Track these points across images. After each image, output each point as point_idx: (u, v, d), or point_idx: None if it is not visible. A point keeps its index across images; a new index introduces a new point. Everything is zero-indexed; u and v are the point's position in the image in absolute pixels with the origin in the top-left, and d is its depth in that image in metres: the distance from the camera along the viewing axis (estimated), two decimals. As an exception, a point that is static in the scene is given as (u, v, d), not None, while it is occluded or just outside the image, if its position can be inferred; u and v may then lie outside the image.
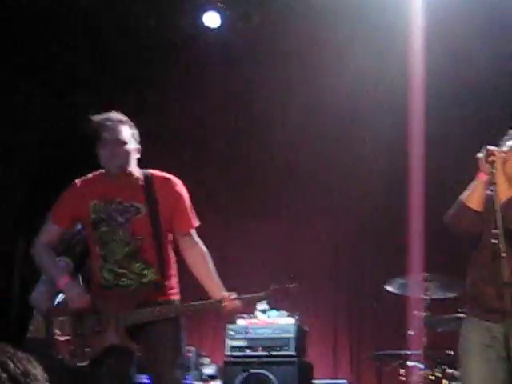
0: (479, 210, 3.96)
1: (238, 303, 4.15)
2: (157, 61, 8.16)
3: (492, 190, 3.89)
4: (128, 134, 4.19)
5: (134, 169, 4.25)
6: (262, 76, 8.23)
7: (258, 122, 8.49)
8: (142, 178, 4.24)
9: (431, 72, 7.26)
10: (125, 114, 4.32)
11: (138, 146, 4.27)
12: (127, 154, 4.17)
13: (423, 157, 7.36)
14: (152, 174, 4.27)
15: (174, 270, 4.29)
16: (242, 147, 8.68)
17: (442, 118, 7.44)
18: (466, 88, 7.49)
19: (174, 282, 4.27)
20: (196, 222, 4.31)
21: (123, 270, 4.15)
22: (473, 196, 3.98)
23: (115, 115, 4.25)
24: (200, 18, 7.88)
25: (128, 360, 4.17)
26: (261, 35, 7.96)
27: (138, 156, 4.27)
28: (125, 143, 4.16)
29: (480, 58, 7.25)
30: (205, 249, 4.28)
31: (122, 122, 4.22)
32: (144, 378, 4.39)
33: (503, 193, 3.95)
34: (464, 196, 4.02)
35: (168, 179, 4.29)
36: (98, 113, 4.25)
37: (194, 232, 4.31)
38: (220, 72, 8.34)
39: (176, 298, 4.25)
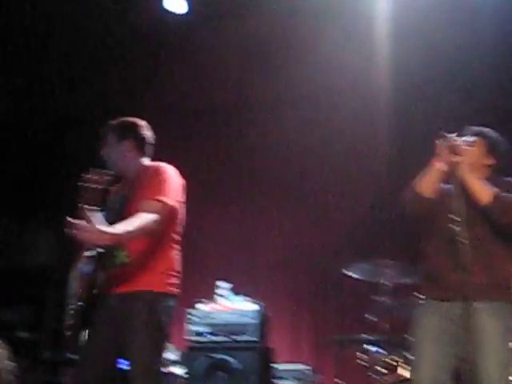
0: (432, 196, 4.08)
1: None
2: (121, 46, 8.12)
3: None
4: (110, 139, 4.42)
5: (136, 163, 4.41)
6: (227, 63, 8.22)
7: (224, 110, 8.50)
8: (138, 170, 4.39)
9: (399, 64, 7.35)
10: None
11: (130, 142, 4.40)
12: (109, 157, 4.40)
13: (388, 145, 7.48)
14: (148, 166, 4.40)
15: (149, 259, 4.19)
16: (208, 134, 8.70)
17: (409, 111, 7.55)
18: (436, 78, 7.59)
19: (147, 271, 4.17)
20: (160, 196, 4.12)
21: (108, 252, 4.20)
22: (426, 182, 4.09)
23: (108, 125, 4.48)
24: (165, 3, 7.83)
25: (110, 347, 4.15)
26: (228, 22, 7.94)
27: (131, 150, 4.40)
28: (105, 149, 4.42)
29: (449, 46, 7.34)
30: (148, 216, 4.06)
31: (107, 131, 4.45)
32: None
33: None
34: (417, 181, 4.11)
35: (155, 166, 4.36)
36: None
37: (153, 203, 4.11)
38: (185, 58, 8.32)
39: (148, 288, 4.14)
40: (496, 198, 4.02)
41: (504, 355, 3.96)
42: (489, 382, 3.88)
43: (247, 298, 6.88)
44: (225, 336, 6.66)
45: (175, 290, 4.26)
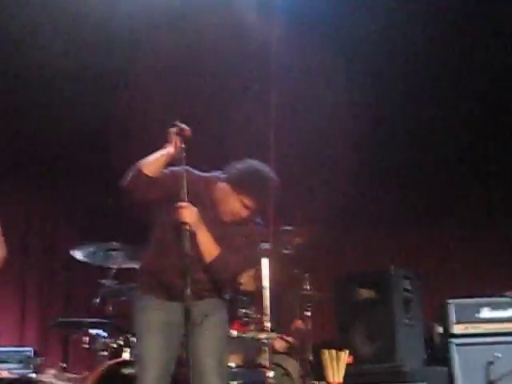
0: (155, 176, 4.06)
1: None
2: None
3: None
4: None
5: None
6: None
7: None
8: None
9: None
10: None
11: None
12: None
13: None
14: None
15: None
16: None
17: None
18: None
19: None
20: None
21: None
22: (153, 163, 4.07)
23: None
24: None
25: None
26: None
27: None
28: None
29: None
30: None
31: None
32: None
33: None
34: (143, 162, 4.09)
35: None
36: None
37: None
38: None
39: None
40: (219, 257, 4.09)
41: (221, 344, 4.21)
42: (209, 367, 4.09)
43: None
44: None
45: None
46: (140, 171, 4.05)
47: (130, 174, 4.09)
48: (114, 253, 6.01)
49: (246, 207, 4.14)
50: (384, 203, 7.88)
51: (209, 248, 4.07)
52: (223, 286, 4.28)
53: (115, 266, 6.04)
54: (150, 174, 4.05)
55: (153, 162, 4.07)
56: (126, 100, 7.48)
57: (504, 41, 7.37)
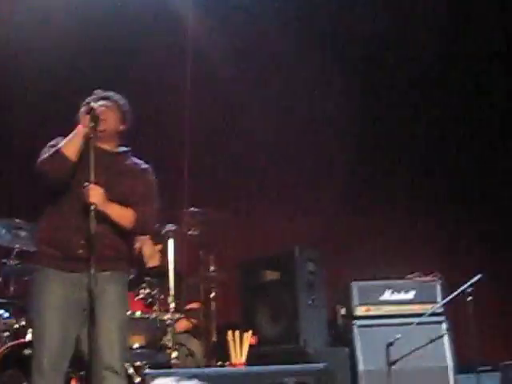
0: (74, 159, 4.04)
1: None
2: None
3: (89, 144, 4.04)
4: None
5: None
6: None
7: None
8: None
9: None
10: None
11: None
12: None
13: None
14: None
15: None
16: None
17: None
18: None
19: None
20: None
21: None
22: (70, 145, 4.05)
23: None
24: None
25: None
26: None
27: None
28: None
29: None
30: None
31: None
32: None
33: None
34: (64, 146, 4.06)
35: None
36: None
37: None
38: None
39: None
40: (136, 217, 4.13)
41: (122, 320, 4.18)
42: (110, 344, 4.04)
43: None
44: None
45: None
46: (64, 155, 4.02)
47: (52, 158, 4.04)
48: (16, 231, 5.94)
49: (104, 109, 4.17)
50: (290, 186, 7.95)
51: (124, 217, 4.11)
52: (126, 241, 4.25)
53: (18, 245, 5.95)
54: (73, 158, 4.03)
55: (72, 145, 4.06)
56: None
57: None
